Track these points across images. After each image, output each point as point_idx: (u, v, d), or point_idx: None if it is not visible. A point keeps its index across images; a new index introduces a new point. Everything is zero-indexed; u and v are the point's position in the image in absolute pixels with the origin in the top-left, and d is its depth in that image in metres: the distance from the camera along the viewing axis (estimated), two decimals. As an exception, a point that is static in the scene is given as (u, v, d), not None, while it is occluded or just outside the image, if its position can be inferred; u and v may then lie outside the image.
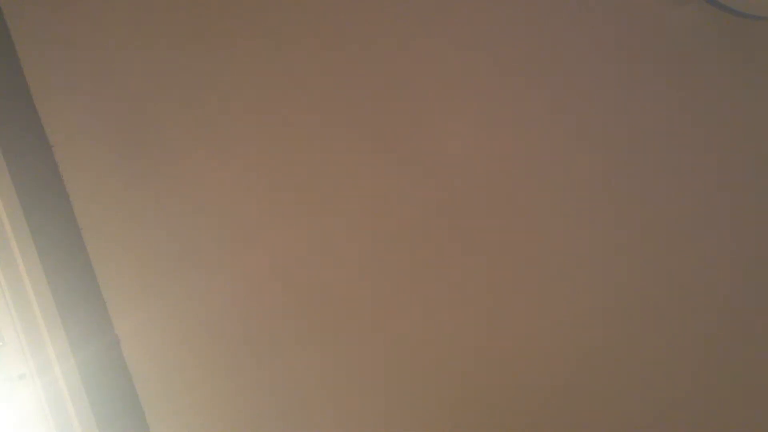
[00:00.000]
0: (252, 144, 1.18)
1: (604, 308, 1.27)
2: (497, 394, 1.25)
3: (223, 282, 1.16)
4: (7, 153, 1.07)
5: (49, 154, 1.09)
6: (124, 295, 1.12)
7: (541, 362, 1.26)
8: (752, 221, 1.32)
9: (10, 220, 1.06)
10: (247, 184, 1.18)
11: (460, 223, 1.24)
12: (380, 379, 1.21)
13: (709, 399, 1.30)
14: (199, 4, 1.16)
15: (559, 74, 1.26)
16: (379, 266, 1.21)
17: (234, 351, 1.16)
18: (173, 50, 1.15)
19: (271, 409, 1.17)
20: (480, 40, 1.25)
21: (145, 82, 1.14)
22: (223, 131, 1.17)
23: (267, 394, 1.17)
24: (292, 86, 1.19)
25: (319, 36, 1.20)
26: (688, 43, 1.28)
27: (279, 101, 1.19)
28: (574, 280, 1.27)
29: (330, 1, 1.21)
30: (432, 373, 1.23)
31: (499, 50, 1.25)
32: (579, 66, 1.27)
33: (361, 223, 1.21)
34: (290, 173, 1.19)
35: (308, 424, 1.18)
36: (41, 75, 1.10)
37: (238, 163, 1.17)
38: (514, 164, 1.25)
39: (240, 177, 1.17)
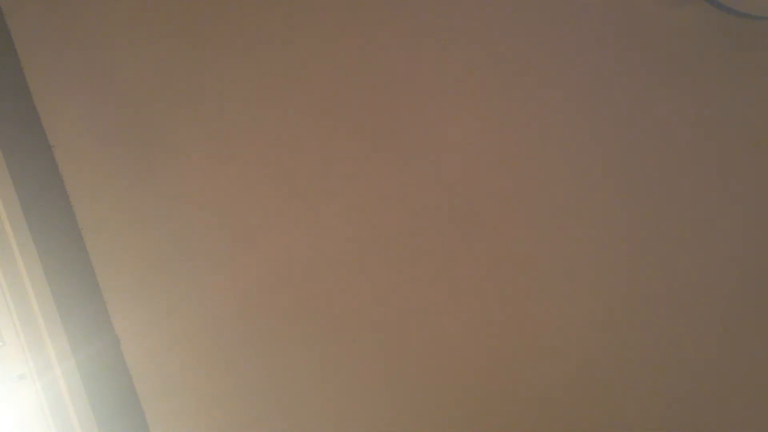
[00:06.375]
0: (252, 144, 1.18)
1: (605, 309, 1.27)
2: (498, 394, 1.25)
3: (223, 282, 1.16)
4: (7, 153, 1.07)
5: (49, 154, 1.09)
6: (124, 295, 1.12)
7: (542, 363, 1.26)
8: (753, 221, 1.32)
9: (10, 220, 1.06)
10: (247, 184, 1.18)
11: (461, 223, 1.24)
12: (380, 379, 1.21)
13: (711, 400, 1.30)
14: (200, 5, 1.16)
15: (558, 75, 1.26)
16: (379, 266, 1.21)
17: (234, 351, 1.16)
18: (173, 50, 1.15)
19: (271, 409, 1.17)
20: (479, 40, 1.25)
21: (145, 82, 1.14)
22: (223, 131, 1.17)
23: (267, 394, 1.17)
24: (292, 86, 1.19)
25: (318, 36, 1.20)
26: (688, 43, 1.28)
27: (279, 101, 1.19)
28: (575, 281, 1.27)
29: (329, 1, 1.21)
30: (432, 373, 1.23)
31: (498, 50, 1.25)
32: (579, 66, 1.27)
33: (361, 223, 1.21)
34: (290, 173, 1.19)
35: (308, 424, 1.18)
36: (41, 75, 1.10)
37: (238, 163, 1.17)
38: (515, 164, 1.25)
39: (240, 177, 1.17)
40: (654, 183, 1.28)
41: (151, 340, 1.13)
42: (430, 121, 1.23)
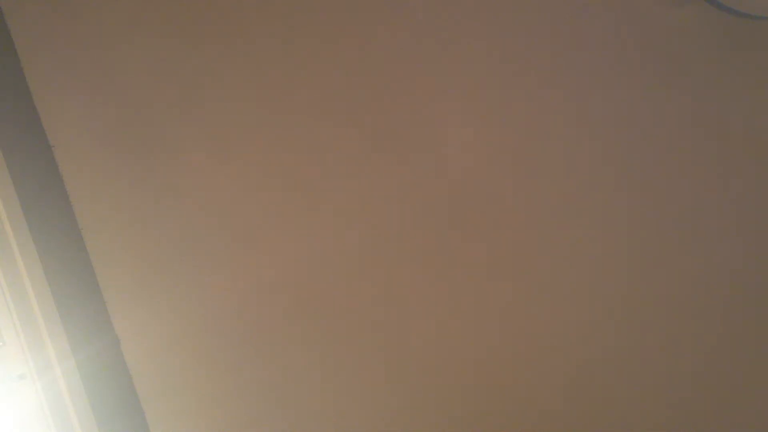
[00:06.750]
0: (252, 144, 1.18)
1: (605, 308, 1.27)
2: (498, 394, 1.25)
3: (223, 282, 1.16)
4: (7, 153, 1.07)
5: (49, 154, 1.09)
6: (124, 295, 1.12)
7: (543, 363, 1.26)
8: (753, 221, 1.32)
9: (10, 220, 1.06)
10: (246, 184, 1.18)
11: (462, 223, 1.24)
12: (380, 379, 1.21)
13: (711, 400, 1.30)
14: (200, 5, 1.16)
15: (558, 75, 1.26)
16: (379, 266, 1.21)
17: (234, 351, 1.16)
18: (173, 50, 1.15)
19: (271, 409, 1.17)
20: (479, 40, 1.25)
21: (145, 82, 1.14)
22: (222, 131, 1.17)
23: (267, 394, 1.17)
24: (292, 86, 1.19)
25: (318, 36, 1.20)
26: (688, 43, 1.28)
27: (279, 101, 1.19)
28: (575, 280, 1.27)
29: (330, 1, 1.21)
30: (432, 372, 1.23)
31: (498, 50, 1.25)
32: (579, 66, 1.27)
33: (361, 223, 1.21)
34: (290, 173, 1.19)
35: (308, 424, 1.18)
36: (41, 75, 1.10)
37: (238, 163, 1.17)
38: (515, 164, 1.25)
39: (240, 177, 1.17)
40: (654, 183, 1.28)
41: (151, 340, 1.13)
42: (430, 121, 1.23)
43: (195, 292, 1.15)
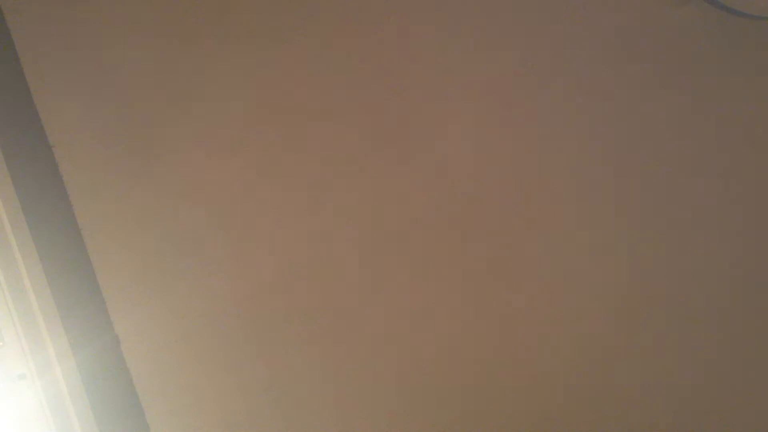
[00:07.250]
0: (252, 143, 1.18)
1: (605, 308, 1.27)
2: (498, 394, 1.25)
3: (222, 282, 1.16)
4: (7, 153, 1.07)
5: (49, 154, 1.10)
6: (124, 295, 1.12)
7: (543, 363, 1.26)
8: (753, 221, 1.32)
9: (10, 220, 1.06)
10: (247, 183, 1.18)
11: (462, 224, 1.24)
12: (381, 379, 1.21)
13: (713, 401, 1.30)
14: (199, 4, 1.16)
15: (558, 75, 1.26)
16: (379, 266, 1.21)
17: (234, 351, 1.16)
18: (173, 50, 1.15)
19: (271, 409, 1.17)
20: (480, 39, 1.25)
21: (144, 82, 1.14)
22: (223, 130, 1.17)
23: (267, 394, 1.17)
24: (291, 85, 1.19)
25: (318, 35, 1.20)
26: (688, 43, 1.28)
27: (279, 100, 1.19)
28: (575, 280, 1.27)
29: (329, 1, 1.21)
30: (432, 373, 1.23)
31: (499, 49, 1.25)
32: (579, 66, 1.27)
33: (362, 223, 1.21)
34: (290, 172, 1.19)
35: (308, 424, 1.18)
36: (41, 75, 1.10)
37: (238, 162, 1.17)
38: (515, 164, 1.25)
39: (240, 176, 1.17)
40: (654, 183, 1.28)
41: (151, 340, 1.13)
42: (430, 121, 1.23)
43: (195, 292, 1.15)
